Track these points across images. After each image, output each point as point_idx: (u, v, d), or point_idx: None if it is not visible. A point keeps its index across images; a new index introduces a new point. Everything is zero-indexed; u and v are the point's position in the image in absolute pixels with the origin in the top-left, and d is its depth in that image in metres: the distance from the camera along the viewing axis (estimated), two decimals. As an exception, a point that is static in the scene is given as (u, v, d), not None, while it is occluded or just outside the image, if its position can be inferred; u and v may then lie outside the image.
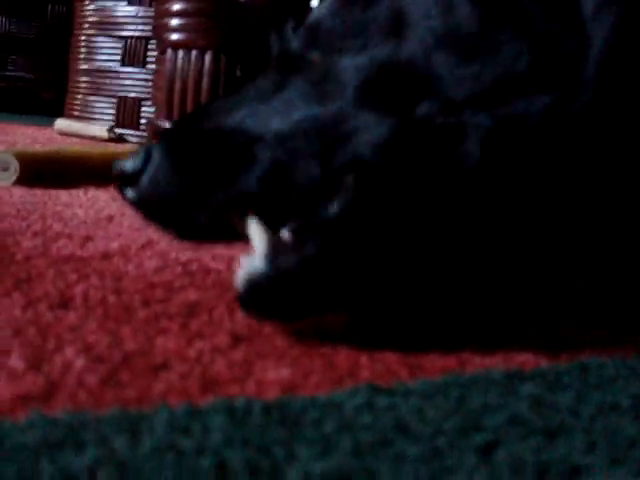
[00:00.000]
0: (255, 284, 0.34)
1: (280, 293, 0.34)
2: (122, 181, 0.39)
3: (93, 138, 1.46)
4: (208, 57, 0.71)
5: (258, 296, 0.35)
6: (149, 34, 1.50)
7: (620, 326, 0.44)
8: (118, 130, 1.51)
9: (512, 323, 0.43)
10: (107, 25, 1.59)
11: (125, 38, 1.56)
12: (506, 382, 0.32)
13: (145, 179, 0.38)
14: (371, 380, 0.31)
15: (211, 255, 0.51)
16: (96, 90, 1.60)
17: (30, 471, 0.21)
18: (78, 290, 0.40)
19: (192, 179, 0.37)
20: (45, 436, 0.23)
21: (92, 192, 0.78)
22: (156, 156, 0.38)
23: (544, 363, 0.36)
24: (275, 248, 0.34)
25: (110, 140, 1.46)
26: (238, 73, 0.71)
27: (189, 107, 0.71)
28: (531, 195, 0.36)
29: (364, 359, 0.34)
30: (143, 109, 1.51)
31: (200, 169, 0.37)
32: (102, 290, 0.41)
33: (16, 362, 0.29)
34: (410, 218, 0.35)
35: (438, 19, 0.36)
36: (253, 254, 0.35)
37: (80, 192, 0.77)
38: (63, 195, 0.74)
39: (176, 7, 0.72)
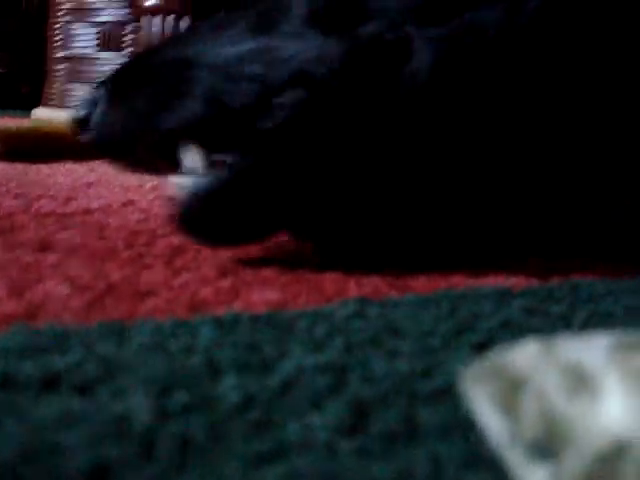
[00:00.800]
0: (187, 203, 0.34)
1: (212, 211, 0.34)
2: (77, 126, 0.39)
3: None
4: (185, 22, 0.70)
5: (191, 216, 0.34)
6: (125, 18, 1.48)
7: (611, 252, 0.43)
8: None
9: (503, 251, 0.43)
10: (82, 11, 1.57)
11: (101, 23, 1.54)
12: (498, 296, 0.32)
13: (94, 120, 0.38)
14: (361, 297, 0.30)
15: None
16: (74, 77, 1.58)
17: (12, 372, 0.20)
18: (60, 237, 0.39)
19: (133, 112, 0.36)
20: (29, 343, 0.22)
21: (70, 165, 0.77)
22: (102, 97, 0.38)
23: (535, 283, 0.36)
24: (208, 167, 0.34)
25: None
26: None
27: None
28: (486, 110, 0.36)
29: (352, 283, 0.33)
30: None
31: (141, 101, 0.36)
32: (84, 237, 0.40)
33: (-3, 291, 0.28)
34: (356, 136, 0.34)
35: None
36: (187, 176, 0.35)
37: (59, 165, 0.76)
38: (43, 168, 0.73)
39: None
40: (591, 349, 0.15)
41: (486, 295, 0.31)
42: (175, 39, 0.40)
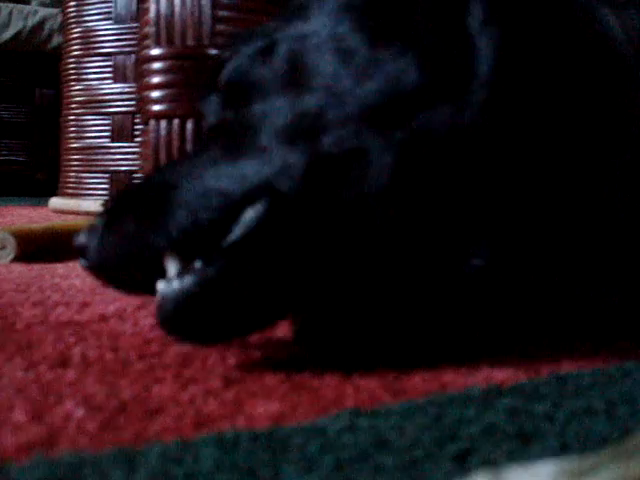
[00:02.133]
0: (163, 306, 0.37)
1: (187, 313, 0.37)
2: (78, 253, 0.42)
3: (88, 213, 1.49)
4: (190, 125, 0.74)
5: (168, 317, 0.38)
6: (135, 109, 1.55)
7: (602, 336, 0.45)
8: (112, 203, 1.54)
9: (493, 339, 0.45)
10: (94, 103, 1.63)
11: (113, 114, 1.60)
12: (484, 397, 0.34)
13: (91, 248, 0.41)
14: (356, 407, 0.32)
15: (203, 309, 0.53)
16: (88, 167, 1.63)
17: (35, 506, 0.22)
18: (76, 350, 0.42)
19: (125, 235, 0.40)
20: (47, 475, 0.24)
21: (88, 263, 0.80)
22: (98, 225, 0.41)
23: (523, 378, 0.38)
24: (182, 273, 0.37)
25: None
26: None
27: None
28: (445, 206, 0.39)
29: (350, 389, 0.35)
30: (137, 180, 1.55)
31: (132, 224, 0.39)
32: (99, 349, 0.43)
33: (19, 416, 0.31)
34: (318, 243, 0.37)
35: (332, 55, 0.39)
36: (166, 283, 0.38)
37: (76, 264, 0.79)
38: (60, 268, 0.76)
39: (156, 80, 0.76)
40: (536, 478, 0.18)
41: (472, 397, 0.33)
42: (165, 167, 0.43)
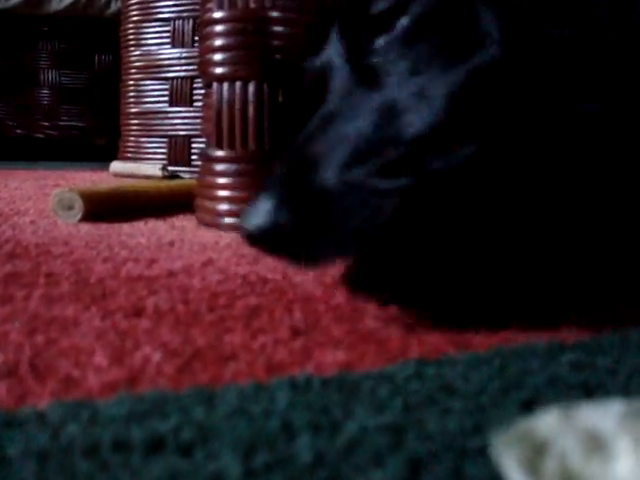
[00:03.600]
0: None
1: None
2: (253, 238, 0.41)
3: (147, 177, 1.52)
4: (251, 87, 0.75)
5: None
6: (193, 74, 1.56)
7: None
8: (171, 168, 1.57)
9: (558, 300, 0.45)
10: (153, 68, 1.65)
11: (171, 79, 1.62)
12: (548, 351, 0.34)
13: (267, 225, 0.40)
14: (421, 357, 0.33)
15: (267, 267, 0.55)
16: (147, 131, 1.66)
17: (123, 436, 0.24)
18: (149, 302, 0.44)
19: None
20: (133, 409, 0.26)
21: (152, 223, 0.82)
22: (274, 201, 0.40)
23: (586, 335, 0.38)
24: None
25: (164, 177, 1.52)
26: (280, 99, 0.75)
27: (237, 135, 0.76)
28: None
29: (414, 341, 0.36)
30: (193, 146, 1.57)
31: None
32: (171, 301, 0.44)
33: (100, 359, 0.33)
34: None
35: None
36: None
37: (141, 224, 0.81)
38: (126, 227, 0.78)
39: (218, 43, 0.76)
40: (606, 416, 0.18)
41: (536, 351, 0.34)
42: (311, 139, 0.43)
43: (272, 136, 0.75)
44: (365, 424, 0.25)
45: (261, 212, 0.39)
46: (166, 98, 1.62)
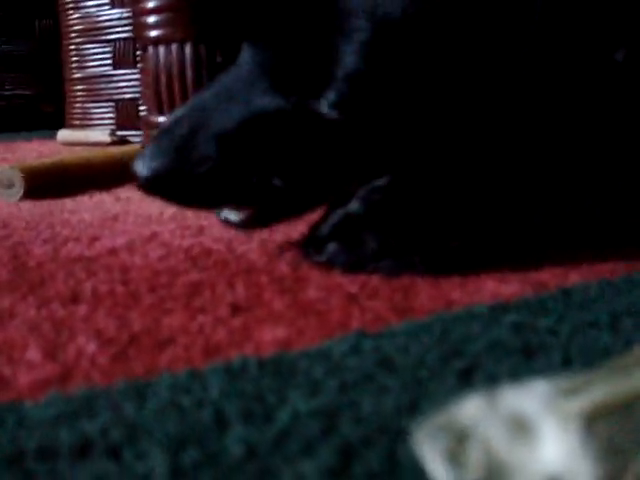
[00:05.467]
0: None
1: None
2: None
3: (97, 144, 1.49)
4: (188, 49, 0.73)
5: None
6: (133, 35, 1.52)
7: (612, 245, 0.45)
8: (119, 133, 1.53)
9: (501, 255, 0.45)
10: (94, 31, 1.61)
11: (113, 41, 1.58)
12: (490, 314, 0.34)
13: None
14: (361, 328, 0.33)
15: (211, 238, 0.54)
16: (93, 96, 1.62)
17: (49, 441, 0.23)
18: (87, 286, 0.43)
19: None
20: (62, 410, 0.25)
21: (96, 197, 0.80)
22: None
23: (530, 292, 0.38)
24: None
25: (113, 143, 1.49)
26: (219, 59, 0.73)
27: (177, 99, 0.74)
28: None
29: (356, 310, 0.36)
30: (141, 109, 1.53)
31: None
32: (110, 283, 0.43)
33: (33, 354, 0.32)
34: None
35: None
36: None
37: (85, 198, 0.79)
38: (69, 203, 0.76)
39: (151, 4, 0.74)
40: (530, 397, 0.18)
41: (478, 314, 0.34)
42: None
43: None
44: (298, 410, 0.24)
45: (149, 160, 0.43)
46: (109, 61, 1.58)
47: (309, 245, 0.45)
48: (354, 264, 0.43)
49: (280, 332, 0.33)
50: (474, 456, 0.17)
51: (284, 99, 0.42)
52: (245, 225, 0.47)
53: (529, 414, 0.18)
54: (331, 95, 0.40)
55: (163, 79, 0.74)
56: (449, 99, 0.41)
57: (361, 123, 0.41)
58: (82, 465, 0.22)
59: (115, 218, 0.66)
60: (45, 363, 0.31)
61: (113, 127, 1.55)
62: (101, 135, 1.51)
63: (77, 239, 0.56)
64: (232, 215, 0.46)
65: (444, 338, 0.31)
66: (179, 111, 0.44)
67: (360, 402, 0.25)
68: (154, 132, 0.76)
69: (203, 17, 0.73)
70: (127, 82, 1.56)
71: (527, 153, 0.43)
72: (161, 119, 0.74)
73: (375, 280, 0.41)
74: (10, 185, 0.77)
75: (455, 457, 0.17)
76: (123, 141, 1.51)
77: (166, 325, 0.35)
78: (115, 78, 1.57)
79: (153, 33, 0.74)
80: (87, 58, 1.61)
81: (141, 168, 0.43)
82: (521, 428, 0.17)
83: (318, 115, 0.40)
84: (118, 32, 1.55)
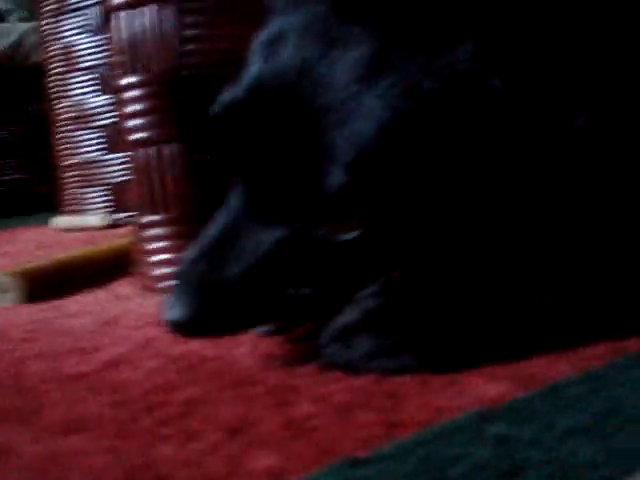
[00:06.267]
0: None
1: None
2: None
3: (95, 228, 1.51)
4: (167, 150, 0.75)
5: None
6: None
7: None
8: (115, 216, 1.56)
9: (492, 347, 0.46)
10: (84, 118, 1.64)
11: (104, 127, 1.61)
12: (475, 426, 0.35)
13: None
14: (352, 450, 0.34)
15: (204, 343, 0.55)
16: (86, 182, 1.64)
17: None
18: (85, 410, 0.44)
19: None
20: None
21: (93, 295, 0.81)
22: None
23: (518, 391, 0.39)
24: None
25: (108, 227, 1.51)
26: (197, 158, 0.75)
27: (159, 200, 0.75)
28: None
29: (348, 429, 0.37)
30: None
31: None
32: (108, 406, 0.44)
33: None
34: None
35: None
36: None
37: (85, 297, 0.80)
38: (69, 305, 0.77)
39: (131, 109, 0.76)
40: None
41: (464, 427, 0.35)
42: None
43: (197, 196, 0.75)
44: None
45: (179, 305, 0.45)
46: (102, 146, 1.60)
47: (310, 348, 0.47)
48: (350, 365, 0.44)
49: (273, 459, 0.34)
50: None
51: (284, 229, 0.45)
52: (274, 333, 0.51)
53: None
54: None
55: (146, 179, 0.76)
56: (434, 201, 0.43)
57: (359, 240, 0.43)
58: None
59: (116, 321, 0.67)
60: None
61: (108, 210, 1.57)
62: (95, 220, 1.53)
63: (77, 351, 0.57)
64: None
65: (429, 461, 0.32)
66: (190, 253, 0.47)
67: None
68: (140, 231, 0.77)
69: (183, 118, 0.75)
70: (120, 165, 1.58)
71: (509, 231, 0.45)
72: (147, 219, 0.76)
73: (367, 384, 0.42)
74: (5, 290, 0.78)
75: None
76: (117, 224, 1.53)
77: (162, 456, 0.36)
78: (108, 162, 1.60)
79: (135, 136, 0.76)
80: (78, 145, 1.64)
81: (174, 314, 0.45)
82: None
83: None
84: (108, 117, 1.58)
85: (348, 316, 0.44)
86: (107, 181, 1.60)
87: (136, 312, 0.70)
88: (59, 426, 0.41)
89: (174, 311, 0.45)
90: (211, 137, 0.47)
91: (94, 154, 1.62)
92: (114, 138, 1.58)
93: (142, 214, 0.77)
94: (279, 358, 0.49)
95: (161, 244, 0.76)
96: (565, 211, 0.45)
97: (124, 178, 1.57)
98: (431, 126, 0.42)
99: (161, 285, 0.76)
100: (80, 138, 1.64)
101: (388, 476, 0.30)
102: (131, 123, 0.76)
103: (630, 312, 0.47)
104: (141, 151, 0.75)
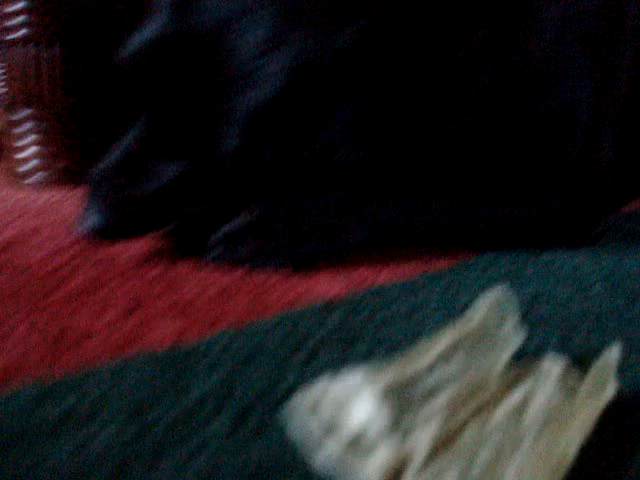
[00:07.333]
0: None
1: None
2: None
3: None
4: (46, 51, 0.80)
5: None
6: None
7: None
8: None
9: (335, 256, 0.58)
10: None
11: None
12: (320, 312, 0.47)
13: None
14: (231, 324, 0.45)
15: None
16: None
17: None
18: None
19: None
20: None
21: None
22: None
23: (352, 290, 0.52)
24: None
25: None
26: (75, 63, 0.81)
27: (34, 95, 0.81)
28: None
29: (227, 308, 0.48)
30: None
31: None
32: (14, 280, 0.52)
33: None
34: None
35: None
36: None
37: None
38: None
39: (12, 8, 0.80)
40: (353, 379, 0.31)
41: (313, 312, 0.47)
42: None
43: (67, 98, 0.81)
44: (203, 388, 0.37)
45: (96, 214, 0.53)
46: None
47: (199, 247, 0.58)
48: (233, 263, 0.55)
49: (171, 329, 0.45)
50: (323, 414, 0.30)
51: (184, 164, 0.54)
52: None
53: (354, 390, 0.31)
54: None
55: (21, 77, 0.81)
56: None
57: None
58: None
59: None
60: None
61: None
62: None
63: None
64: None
65: (290, 335, 0.44)
66: (99, 171, 0.56)
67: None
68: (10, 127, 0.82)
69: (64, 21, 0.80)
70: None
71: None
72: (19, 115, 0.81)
73: (241, 275, 0.54)
74: None
75: (313, 413, 0.30)
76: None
77: (77, 325, 0.46)
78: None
79: (13, 35, 0.80)
80: None
81: (92, 222, 0.55)
82: (348, 399, 0.31)
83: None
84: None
85: (234, 224, 0.55)
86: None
87: (9, 202, 0.76)
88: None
89: (92, 219, 0.53)
90: (120, 76, 0.55)
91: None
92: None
93: (14, 110, 0.82)
94: (167, 252, 0.59)
95: (30, 138, 0.82)
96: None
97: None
98: (321, 92, 0.52)
99: (29, 179, 0.82)
100: None
101: (260, 345, 0.42)
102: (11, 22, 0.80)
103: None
104: (20, 49, 0.80)
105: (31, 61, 0.79)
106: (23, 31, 0.80)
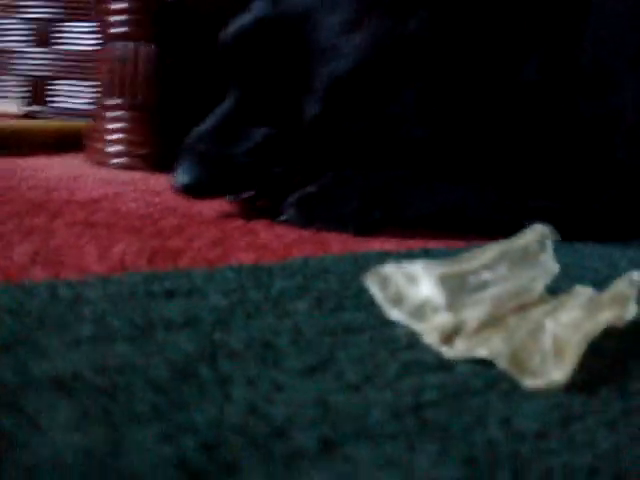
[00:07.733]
0: None
1: None
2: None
3: (5, 115, 1.59)
4: (143, 48, 0.89)
5: None
6: (55, 16, 1.64)
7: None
8: (31, 107, 1.64)
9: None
10: (15, 7, 1.70)
11: (32, 20, 1.68)
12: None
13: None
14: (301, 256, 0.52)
15: (170, 198, 0.71)
16: (5, 70, 1.71)
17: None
18: (96, 218, 0.59)
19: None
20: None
21: (44, 160, 0.94)
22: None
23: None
24: None
25: (22, 116, 1.60)
26: (169, 60, 0.90)
27: (127, 87, 0.90)
28: None
29: (293, 250, 0.55)
30: (49, 87, 1.65)
31: None
32: (112, 217, 0.60)
33: (90, 252, 0.48)
34: None
35: None
36: None
37: (36, 160, 0.93)
38: (23, 164, 0.90)
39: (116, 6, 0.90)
40: (417, 267, 0.38)
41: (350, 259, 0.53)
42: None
43: (158, 92, 0.90)
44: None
45: (186, 172, 0.60)
46: (26, 38, 1.68)
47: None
48: (306, 224, 0.62)
49: (251, 256, 0.52)
50: (391, 290, 0.37)
51: (271, 129, 0.62)
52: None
53: (416, 274, 0.37)
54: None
55: (118, 70, 0.90)
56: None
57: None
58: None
59: (76, 178, 0.81)
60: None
61: (23, 99, 1.66)
62: (12, 106, 1.61)
63: (56, 189, 0.72)
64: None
65: (356, 262, 0.50)
66: (194, 134, 0.63)
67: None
68: (103, 112, 0.91)
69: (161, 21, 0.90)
70: (40, 60, 1.67)
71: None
72: (112, 102, 0.90)
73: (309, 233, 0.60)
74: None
75: (383, 288, 0.37)
76: (29, 115, 1.62)
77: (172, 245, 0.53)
78: (29, 55, 1.68)
79: (114, 30, 0.90)
80: (4, 33, 1.70)
81: (182, 179, 0.62)
82: (412, 279, 0.37)
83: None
84: (39, 11, 1.66)
85: (308, 189, 0.62)
86: (28, 73, 1.68)
87: (97, 175, 0.84)
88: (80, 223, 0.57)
89: (184, 177, 0.61)
90: (219, 57, 0.63)
91: (18, 44, 1.69)
92: (39, 32, 1.66)
93: (109, 96, 0.91)
94: (245, 212, 0.67)
95: (119, 125, 0.90)
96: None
97: (47, 73, 1.66)
98: (391, 71, 0.60)
99: (114, 161, 0.90)
100: (6, 27, 1.71)
101: (329, 267, 0.49)
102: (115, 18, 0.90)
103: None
104: (121, 44, 0.89)
105: (129, 55, 0.88)
106: (124, 28, 0.89)
